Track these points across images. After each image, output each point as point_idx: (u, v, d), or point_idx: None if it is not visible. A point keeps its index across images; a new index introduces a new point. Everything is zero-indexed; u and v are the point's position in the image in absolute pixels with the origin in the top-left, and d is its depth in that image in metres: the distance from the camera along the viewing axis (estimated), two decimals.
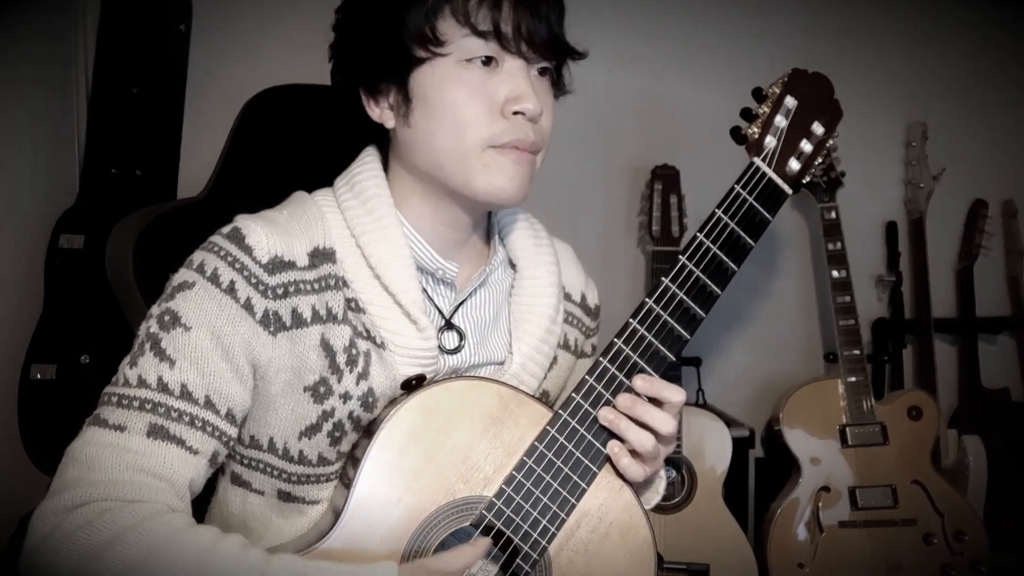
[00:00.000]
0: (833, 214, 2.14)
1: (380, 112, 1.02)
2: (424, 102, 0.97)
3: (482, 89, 0.95)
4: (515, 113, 0.96)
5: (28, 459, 1.79)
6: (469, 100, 0.95)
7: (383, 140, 1.06)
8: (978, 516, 2.02)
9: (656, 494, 1.11)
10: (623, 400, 0.97)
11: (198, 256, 0.95)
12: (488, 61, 0.96)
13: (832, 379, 2.09)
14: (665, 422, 0.97)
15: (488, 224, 1.12)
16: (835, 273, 2.12)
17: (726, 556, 1.95)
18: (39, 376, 1.82)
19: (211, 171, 1.86)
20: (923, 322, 2.27)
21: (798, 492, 2.01)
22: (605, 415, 0.97)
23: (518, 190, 0.98)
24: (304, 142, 1.86)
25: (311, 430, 0.98)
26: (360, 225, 1.00)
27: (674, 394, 0.98)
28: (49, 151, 2.00)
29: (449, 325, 1.05)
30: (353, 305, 0.98)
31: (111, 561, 0.80)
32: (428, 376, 1.01)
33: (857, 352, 2.07)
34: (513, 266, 1.12)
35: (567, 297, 1.17)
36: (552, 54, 0.99)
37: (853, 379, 2.06)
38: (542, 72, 1.00)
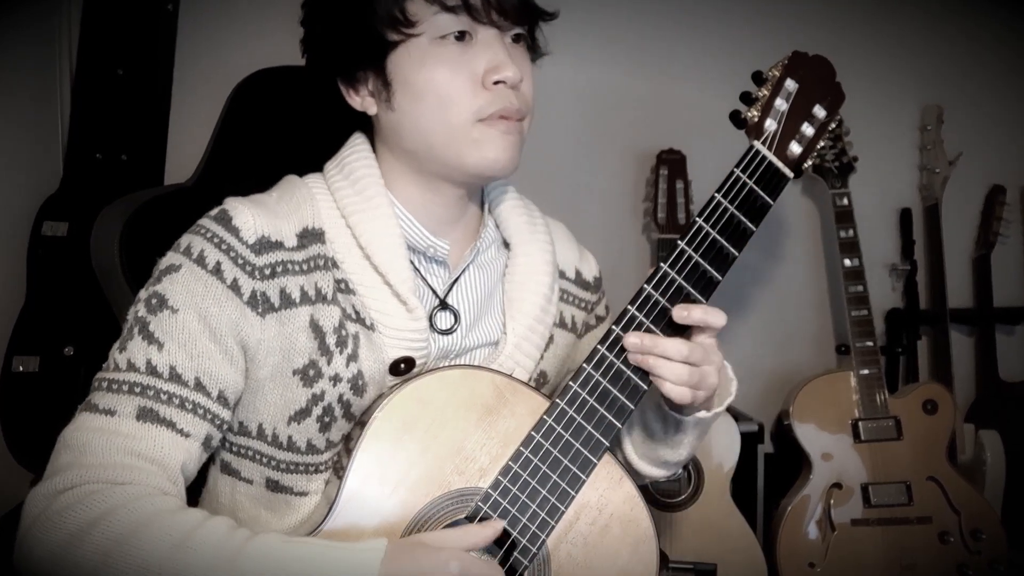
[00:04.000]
0: (845, 200, 2.13)
1: (361, 100, 1.03)
2: (405, 85, 0.99)
3: (460, 64, 0.97)
4: (496, 83, 0.98)
5: (10, 455, 1.80)
6: (450, 77, 0.97)
7: (367, 126, 1.08)
8: (996, 514, 2.01)
9: (727, 396, 1.08)
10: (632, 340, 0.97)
11: (185, 239, 0.97)
12: (462, 36, 0.97)
13: (844, 372, 2.08)
14: (679, 349, 0.96)
15: (481, 201, 1.14)
16: (847, 262, 2.10)
17: (734, 555, 1.93)
18: (21, 369, 1.83)
19: (200, 156, 1.86)
20: (939, 312, 2.25)
21: (809, 489, 2.00)
22: (634, 356, 0.97)
23: (510, 160, 1.00)
24: (297, 126, 1.83)
25: (300, 415, 0.98)
26: (350, 205, 1.02)
27: (713, 317, 0.97)
28: (31, 135, 2.01)
29: (443, 305, 1.06)
30: (343, 286, 0.99)
31: (97, 537, 0.82)
32: (418, 359, 1.02)
33: (870, 344, 2.06)
34: (507, 246, 1.13)
35: (561, 275, 1.18)
36: (523, 19, 1.01)
37: (866, 372, 2.04)
38: (516, 39, 1.02)
